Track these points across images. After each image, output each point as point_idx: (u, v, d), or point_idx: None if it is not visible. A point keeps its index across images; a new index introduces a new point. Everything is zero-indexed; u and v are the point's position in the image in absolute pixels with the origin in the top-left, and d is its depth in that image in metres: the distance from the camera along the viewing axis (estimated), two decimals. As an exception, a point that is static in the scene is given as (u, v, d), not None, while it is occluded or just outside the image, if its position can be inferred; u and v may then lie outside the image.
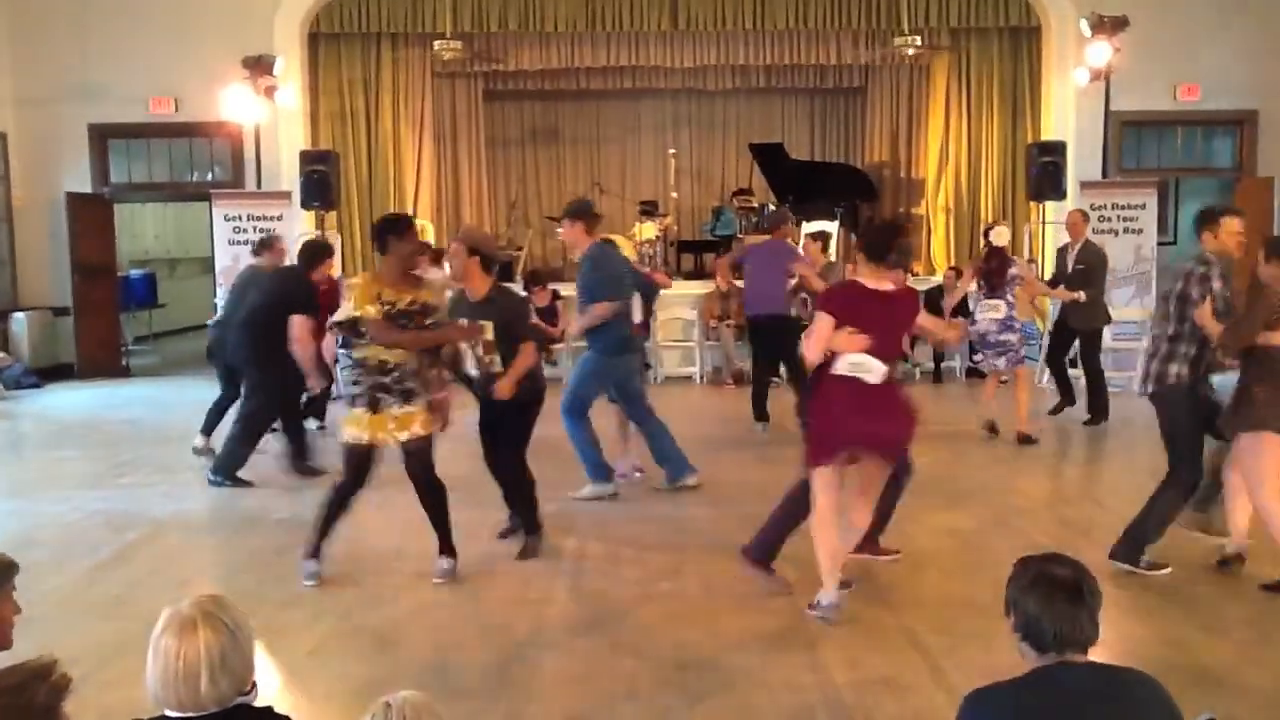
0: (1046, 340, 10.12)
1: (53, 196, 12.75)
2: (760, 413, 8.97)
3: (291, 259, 8.06)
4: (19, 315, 12.59)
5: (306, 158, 11.98)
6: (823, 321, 4.61)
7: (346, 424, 5.18)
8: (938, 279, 12.24)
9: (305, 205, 11.80)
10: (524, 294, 8.53)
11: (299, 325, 6.81)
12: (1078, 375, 9.58)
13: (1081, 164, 12.37)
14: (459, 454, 6.03)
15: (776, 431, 8.74)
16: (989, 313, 8.64)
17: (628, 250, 12.78)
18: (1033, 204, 12.56)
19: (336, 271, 12.08)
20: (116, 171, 13.26)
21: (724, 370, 11.93)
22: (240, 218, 11.86)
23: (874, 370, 4.55)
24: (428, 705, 2.06)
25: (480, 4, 13.05)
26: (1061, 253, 9.62)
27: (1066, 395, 9.45)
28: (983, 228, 10.74)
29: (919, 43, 12.76)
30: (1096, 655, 2.38)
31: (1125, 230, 11.84)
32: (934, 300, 10.43)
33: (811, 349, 4.66)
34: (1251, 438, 4.94)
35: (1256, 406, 4.92)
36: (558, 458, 6.85)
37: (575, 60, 13.86)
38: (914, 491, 5.61)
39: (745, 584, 5.17)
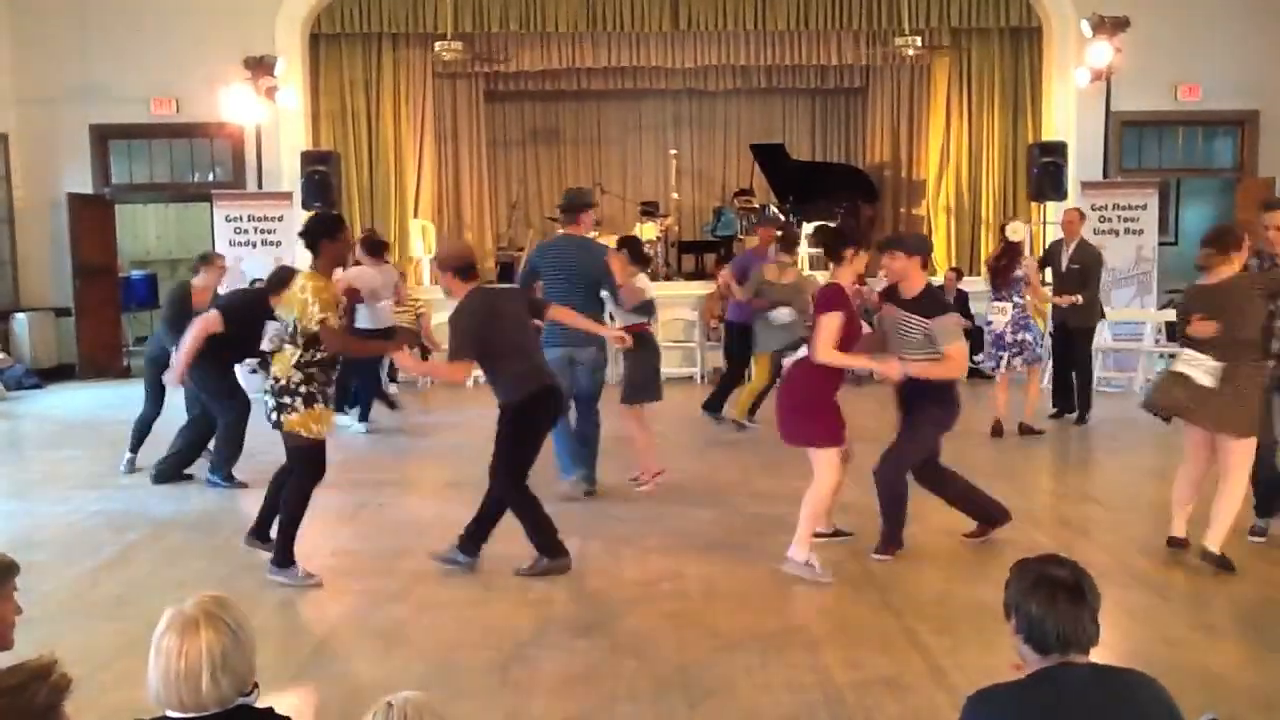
0: (1048, 341, 10.10)
1: (54, 197, 12.76)
2: (717, 406, 9.35)
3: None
4: (20, 316, 12.60)
5: (307, 158, 11.99)
6: (834, 321, 5.06)
7: (312, 422, 5.16)
8: (938, 279, 12.24)
9: (306, 206, 11.79)
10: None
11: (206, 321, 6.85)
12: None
13: (1082, 164, 12.37)
14: (471, 457, 6.02)
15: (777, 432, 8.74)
16: (997, 315, 8.70)
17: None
18: (1034, 204, 12.58)
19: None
20: (118, 172, 13.27)
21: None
22: (241, 218, 11.87)
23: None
24: (429, 705, 2.06)
25: (481, 4, 13.06)
26: (1054, 249, 9.57)
27: (1065, 403, 9.43)
28: (999, 223, 10.81)
29: (920, 43, 12.75)
30: (1097, 656, 2.38)
31: (1126, 231, 11.84)
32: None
33: (826, 348, 5.06)
34: None
35: None
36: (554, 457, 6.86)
37: (576, 61, 13.87)
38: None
39: (746, 584, 5.17)
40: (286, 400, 5.14)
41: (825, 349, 5.09)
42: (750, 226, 14.11)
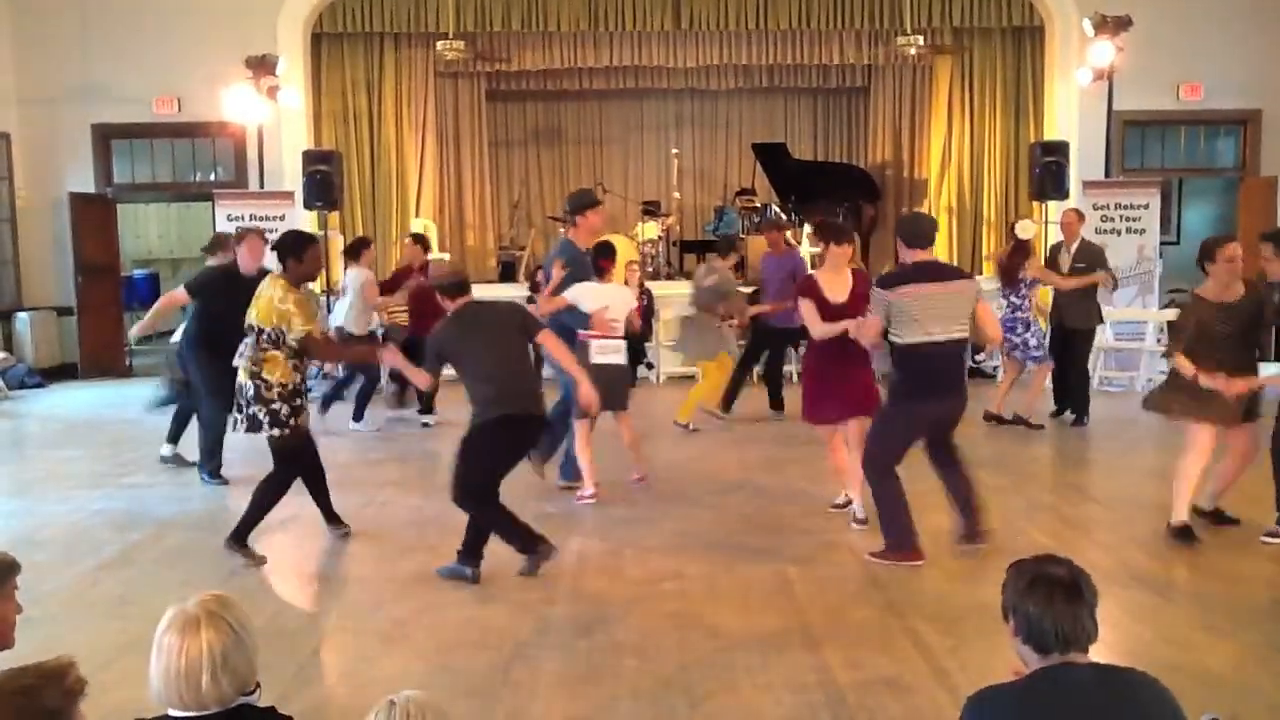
0: (1046, 341, 10.13)
1: (56, 197, 12.77)
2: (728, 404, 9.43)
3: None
4: (22, 315, 12.61)
5: (309, 158, 11.99)
6: (805, 305, 5.87)
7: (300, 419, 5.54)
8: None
9: (308, 205, 11.81)
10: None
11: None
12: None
13: (1084, 164, 12.36)
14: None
15: (779, 431, 8.76)
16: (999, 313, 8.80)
17: (630, 250, 12.86)
18: (1035, 204, 12.57)
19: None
20: (119, 172, 13.28)
21: (726, 370, 11.91)
22: (243, 218, 11.84)
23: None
24: (433, 704, 2.06)
25: (483, 4, 13.06)
26: (1055, 251, 9.58)
27: (1065, 402, 9.45)
28: (1002, 223, 10.88)
29: (922, 43, 12.74)
30: (1098, 655, 2.38)
31: (1128, 230, 11.84)
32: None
33: (813, 327, 5.83)
34: None
35: None
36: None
37: (578, 60, 13.87)
38: (916, 492, 5.61)
39: (747, 584, 5.17)
40: (299, 402, 5.50)
41: (813, 328, 5.81)
42: (753, 228, 14.14)
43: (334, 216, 12.64)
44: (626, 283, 11.08)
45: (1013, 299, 8.93)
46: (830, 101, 15.75)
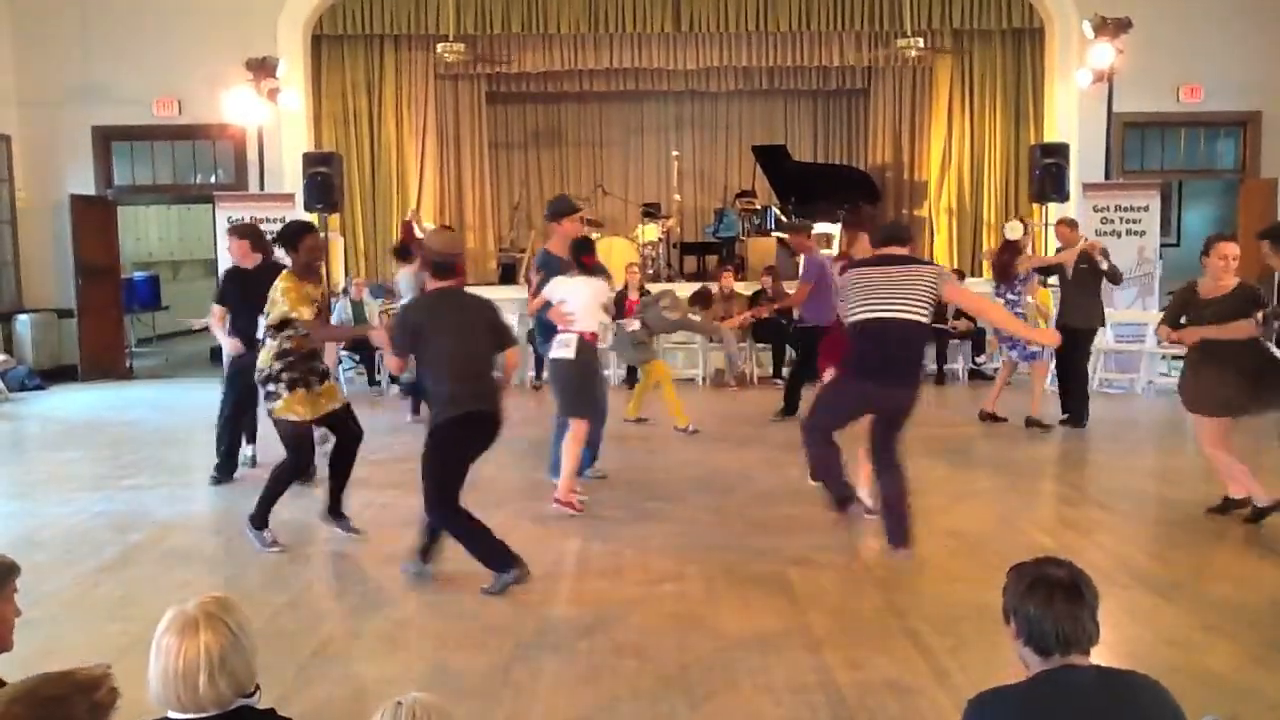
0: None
1: (56, 199, 12.78)
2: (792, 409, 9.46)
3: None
4: (23, 317, 12.62)
5: (309, 160, 12.01)
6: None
7: (294, 405, 5.71)
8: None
9: (308, 207, 11.81)
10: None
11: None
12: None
13: (1084, 165, 12.36)
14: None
15: (781, 433, 8.75)
16: None
17: (629, 252, 12.88)
18: (1035, 205, 12.57)
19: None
20: (120, 173, 13.29)
21: (727, 372, 11.93)
22: (243, 219, 11.86)
23: None
24: (438, 706, 2.06)
25: (483, 6, 13.08)
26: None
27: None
28: (1001, 225, 11.06)
29: (921, 45, 12.76)
30: (1098, 656, 2.38)
31: (1128, 232, 11.84)
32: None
33: None
34: None
35: None
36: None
37: (578, 62, 13.89)
38: (917, 493, 5.61)
39: (748, 584, 5.17)
40: (271, 388, 5.72)
41: None
42: (753, 230, 14.16)
43: (334, 218, 12.64)
44: (627, 284, 11.10)
45: (1009, 296, 9.09)
46: (830, 103, 15.76)
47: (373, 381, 11.81)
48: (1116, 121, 12.17)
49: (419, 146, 14.02)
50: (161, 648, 2.20)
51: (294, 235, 5.90)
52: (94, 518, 6.62)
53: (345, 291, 11.75)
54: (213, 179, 13.41)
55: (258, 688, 2.29)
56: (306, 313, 5.67)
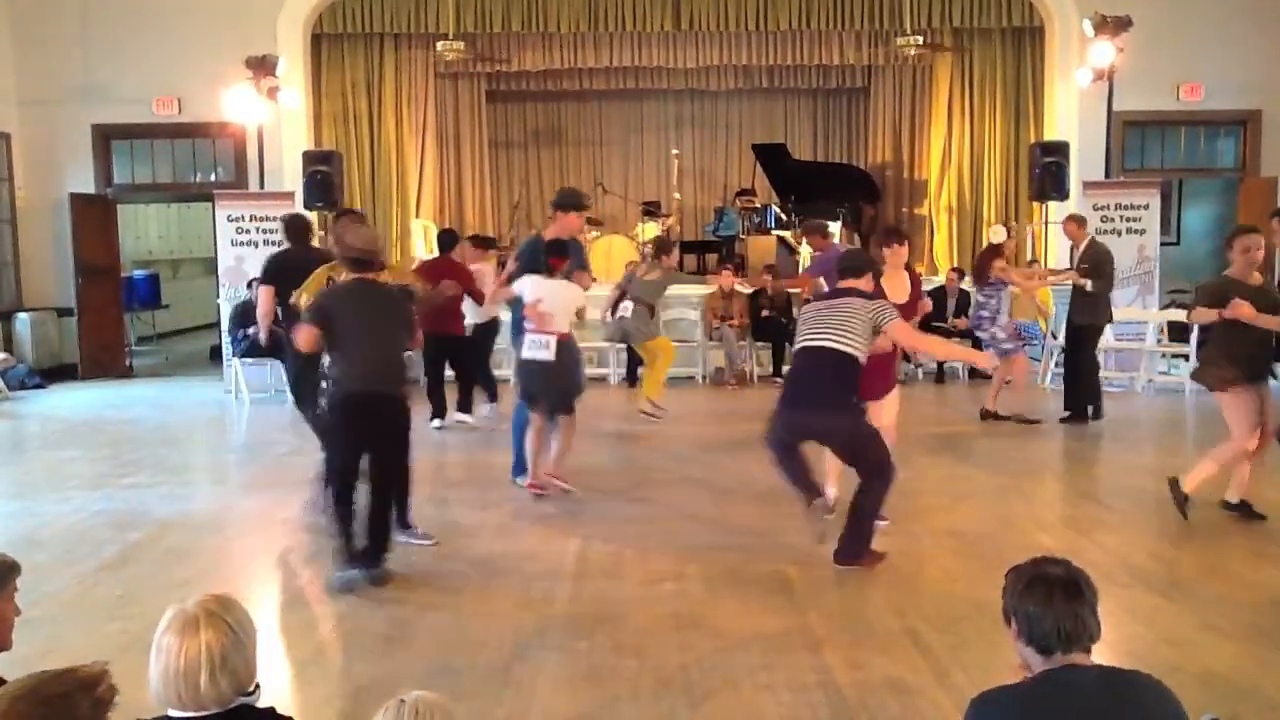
0: (1049, 341, 10.16)
1: (56, 197, 12.76)
2: None
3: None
4: (22, 316, 12.60)
5: (309, 158, 12.00)
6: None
7: None
8: (940, 279, 12.25)
9: (308, 206, 11.79)
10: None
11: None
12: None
13: (1084, 164, 12.35)
14: (475, 457, 6.02)
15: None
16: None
17: (629, 251, 12.87)
18: (1035, 204, 12.57)
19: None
20: (120, 172, 13.27)
21: (727, 370, 11.92)
22: (243, 218, 11.87)
23: None
24: (441, 705, 2.06)
25: (483, 4, 13.06)
26: (1071, 256, 9.76)
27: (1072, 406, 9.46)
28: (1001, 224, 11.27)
29: (921, 43, 12.74)
30: (1099, 655, 2.38)
31: (1128, 231, 11.83)
32: (937, 300, 10.60)
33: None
34: None
35: None
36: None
37: (578, 61, 13.87)
38: (917, 492, 5.62)
39: (748, 584, 5.17)
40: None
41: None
42: (753, 228, 14.17)
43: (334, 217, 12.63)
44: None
45: (979, 296, 9.57)
46: (830, 102, 15.76)
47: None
48: (1116, 120, 12.16)
49: (419, 145, 14.01)
50: (162, 647, 2.20)
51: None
52: (94, 516, 6.61)
53: None
54: (213, 178, 13.39)
55: (258, 686, 2.29)
56: (300, 300, 5.84)
